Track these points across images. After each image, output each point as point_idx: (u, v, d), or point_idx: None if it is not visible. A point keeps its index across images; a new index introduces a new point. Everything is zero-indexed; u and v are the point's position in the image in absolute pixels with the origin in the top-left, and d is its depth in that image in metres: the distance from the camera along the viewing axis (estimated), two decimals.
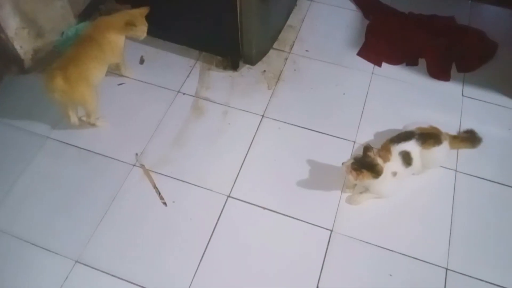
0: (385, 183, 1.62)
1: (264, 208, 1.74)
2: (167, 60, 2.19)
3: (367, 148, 1.60)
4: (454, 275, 1.58)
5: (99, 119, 1.94)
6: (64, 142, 1.92)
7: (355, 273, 1.59)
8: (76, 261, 1.61)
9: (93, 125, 1.93)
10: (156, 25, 2.16)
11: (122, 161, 1.86)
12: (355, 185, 1.74)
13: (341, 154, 1.86)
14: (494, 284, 1.56)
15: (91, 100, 1.83)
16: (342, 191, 1.77)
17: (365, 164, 1.57)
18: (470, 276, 1.58)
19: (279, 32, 2.33)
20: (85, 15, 2.34)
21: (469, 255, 1.63)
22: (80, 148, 1.90)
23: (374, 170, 1.57)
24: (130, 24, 1.85)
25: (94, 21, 1.93)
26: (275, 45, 2.29)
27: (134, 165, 1.85)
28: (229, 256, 1.63)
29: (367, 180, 1.58)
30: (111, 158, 1.87)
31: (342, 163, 1.66)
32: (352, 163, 1.59)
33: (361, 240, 1.66)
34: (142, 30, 1.90)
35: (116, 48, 1.91)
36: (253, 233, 1.69)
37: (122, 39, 1.91)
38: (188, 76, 2.15)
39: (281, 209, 1.74)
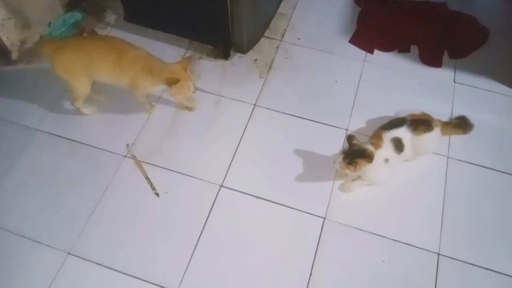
0: (377, 170, 1.62)
1: (257, 197, 1.74)
2: (157, 50, 2.11)
3: (350, 137, 1.60)
4: (446, 260, 1.59)
5: (88, 108, 1.92)
6: (54, 134, 1.89)
7: (348, 259, 1.60)
8: (69, 253, 1.61)
9: (77, 110, 1.91)
10: (145, 14, 2.14)
11: (113, 152, 1.84)
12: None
13: (333, 142, 1.86)
14: (486, 269, 1.58)
15: (75, 84, 1.78)
16: (334, 179, 1.78)
17: (356, 153, 1.57)
18: (462, 261, 1.59)
19: (270, 20, 2.30)
20: (72, 5, 2.30)
21: (461, 240, 1.64)
22: (71, 139, 1.88)
23: (366, 155, 1.57)
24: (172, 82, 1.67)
25: (144, 51, 1.77)
26: (266, 33, 2.27)
27: (125, 156, 1.84)
28: (222, 246, 1.63)
29: (364, 168, 1.58)
30: (102, 149, 1.85)
31: (334, 162, 1.65)
32: (344, 158, 1.59)
33: (354, 227, 1.66)
34: (186, 86, 1.72)
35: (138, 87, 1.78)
36: (246, 222, 1.69)
37: (148, 85, 1.75)
38: None
39: (274, 197, 1.73)
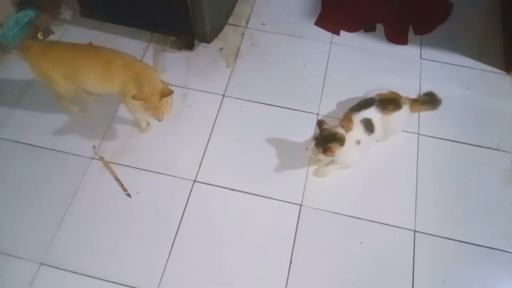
0: (349, 152, 1.61)
1: (232, 190, 1.71)
2: (118, 44, 2.05)
3: (320, 122, 1.59)
4: (422, 236, 1.61)
5: (75, 106, 1.86)
6: (15, 141, 1.81)
7: (326, 244, 1.60)
8: (41, 263, 1.55)
9: (65, 107, 1.85)
10: (101, 8, 2.05)
11: (79, 155, 1.77)
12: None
13: (305, 128, 1.84)
14: (461, 241, 1.61)
15: (55, 88, 1.71)
16: (308, 165, 1.76)
17: (327, 138, 1.56)
18: (438, 236, 1.62)
19: (233, 6, 2.25)
20: (25, 3, 2.18)
21: (436, 215, 1.66)
22: (33, 145, 1.80)
23: (337, 139, 1.57)
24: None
25: (133, 60, 1.64)
26: (230, 20, 2.21)
27: (92, 158, 1.77)
28: (200, 241, 1.60)
29: (337, 151, 1.57)
30: (67, 153, 1.78)
31: (306, 149, 1.63)
32: (316, 144, 1.57)
33: (330, 211, 1.66)
34: (150, 111, 1.59)
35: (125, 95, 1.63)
36: (223, 215, 1.66)
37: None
38: (141, 59, 2.05)
39: (249, 188, 1.71)
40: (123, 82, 1.60)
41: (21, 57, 1.67)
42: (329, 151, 1.55)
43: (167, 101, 1.59)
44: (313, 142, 1.58)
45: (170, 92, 1.56)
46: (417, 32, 2.17)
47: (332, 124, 1.66)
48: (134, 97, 1.52)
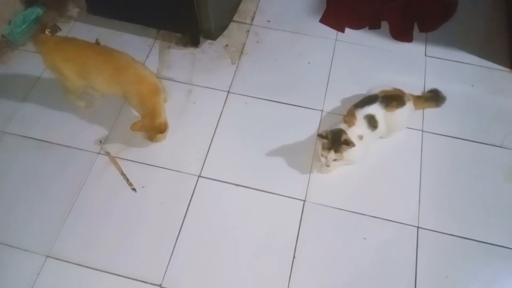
0: (353, 148, 1.61)
1: (237, 185, 1.72)
2: (124, 41, 2.10)
3: (319, 135, 1.60)
4: (425, 232, 1.62)
5: (82, 101, 1.89)
6: (22, 136, 1.84)
7: (329, 240, 1.61)
8: (47, 256, 1.57)
9: (72, 101, 1.88)
10: (108, 5, 2.07)
11: (85, 150, 1.80)
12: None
13: (309, 124, 1.85)
14: (464, 238, 1.61)
15: (64, 82, 1.74)
16: (312, 161, 1.77)
17: (336, 137, 1.57)
18: (441, 232, 1.62)
19: (238, 3, 2.26)
20: (32, 0, 2.20)
21: (439, 212, 1.66)
22: (40, 140, 1.82)
23: (341, 132, 1.58)
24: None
25: (143, 70, 1.73)
26: (235, 18, 2.22)
27: (98, 153, 1.79)
28: (204, 236, 1.62)
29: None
30: (74, 148, 1.80)
31: (328, 165, 1.64)
32: (335, 149, 1.57)
33: (333, 207, 1.67)
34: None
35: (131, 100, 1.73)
36: (227, 210, 1.67)
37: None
38: (147, 56, 2.07)
39: (254, 184, 1.72)
40: (129, 88, 1.67)
41: (35, 50, 1.72)
42: (349, 143, 1.55)
43: (164, 135, 1.76)
44: (332, 152, 1.57)
45: (166, 128, 1.72)
46: (422, 29, 2.17)
47: (336, 121, 1.67)
48: (133, 128, 1.66)
